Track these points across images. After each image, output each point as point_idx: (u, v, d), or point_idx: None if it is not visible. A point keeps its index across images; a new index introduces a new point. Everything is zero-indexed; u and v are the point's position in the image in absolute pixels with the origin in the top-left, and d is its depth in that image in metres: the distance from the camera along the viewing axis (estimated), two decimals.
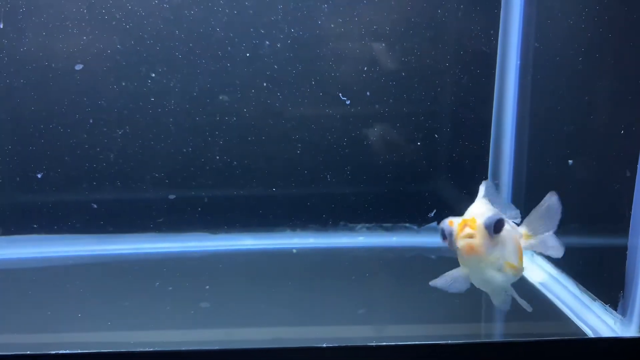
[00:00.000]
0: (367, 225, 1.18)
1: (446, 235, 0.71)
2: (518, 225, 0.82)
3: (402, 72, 1.12)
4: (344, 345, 0.69)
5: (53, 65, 1.05)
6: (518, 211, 0.84)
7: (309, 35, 1.09)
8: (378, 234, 1.18)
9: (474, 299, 0.96)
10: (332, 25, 1.09)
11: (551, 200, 0.80)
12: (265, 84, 1.10)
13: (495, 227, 0.70)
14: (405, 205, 1.18)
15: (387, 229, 1.18)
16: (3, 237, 1.09)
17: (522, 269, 0.76)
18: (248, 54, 1.08)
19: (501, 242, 0.71)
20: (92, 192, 1.10)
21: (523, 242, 0.79)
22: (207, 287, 0.95)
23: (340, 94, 1.10)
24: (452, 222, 0.71)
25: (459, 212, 1.17)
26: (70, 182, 1.09)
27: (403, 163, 1.17)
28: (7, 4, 1.02)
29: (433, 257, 1.14)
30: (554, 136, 1.05)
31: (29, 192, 1.09)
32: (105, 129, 1.08)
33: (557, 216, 0.81)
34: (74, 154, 1.08)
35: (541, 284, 0.97)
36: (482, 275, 0.73)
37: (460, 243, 0.69)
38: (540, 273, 1.01)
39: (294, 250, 1.13)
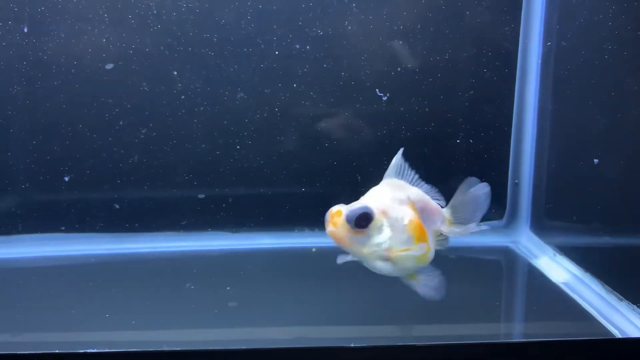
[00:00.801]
0: None
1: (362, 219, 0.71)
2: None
3: (421, 70, 1.11)
4: (373, 345, 0.69)
5: (78, 65, 1.06)
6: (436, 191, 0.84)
7: (331, 33, 1.09)
8: None
9: (495, 299, 0.96)
10: (354, 24, 1.09)
11: (483, 191, 0.82)
12: (290, 84, 1.10)
13: (357, 221, 0.70)
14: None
15: None
16: (27, 236, 1.10)
17: (426, 255, 0.75)
18: (277, 52, 1.08)
19: (378, 233, 0.71)
20: (114, 192, 1.10)
21: (445, 228, 0.79)
22: (228, 288, 0.94)
23: (377, 90, 1.10)
24: (332, 211, 0.71)
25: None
26: (94, 182, 1.10)
27: (422, 162, 1.16)
28: (33, 6, 1.03)
29: (452, 256, 1.14)
30: (577, 135, 1.04)
31: (52, 192, 1.09)
32: (129, 129, 1.08)
33: (484, 209, 0.82)
34: (97, 154, 1.09)
35: (564, 284, 0.96)
36: (371, 265, 0.74)
37: (328, 233, 0.71)
38: (563, 273, 1.00)
39: (313, 249, 1.12)
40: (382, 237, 0.72)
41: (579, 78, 1.02)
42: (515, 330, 0.90)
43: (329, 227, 0.71)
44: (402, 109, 1.13)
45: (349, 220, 0.70)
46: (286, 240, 1.15)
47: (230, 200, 1.14)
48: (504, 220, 1.17)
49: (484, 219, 1.17)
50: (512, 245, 1.15)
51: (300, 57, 1.09)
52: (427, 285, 0.77)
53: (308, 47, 1.09)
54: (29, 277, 1.02)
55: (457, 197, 0.82)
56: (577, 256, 1.00)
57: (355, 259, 0.77)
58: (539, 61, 1.10)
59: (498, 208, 1.17)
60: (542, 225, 1.13)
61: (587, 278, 0.95)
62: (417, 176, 0.80)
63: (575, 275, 0.98)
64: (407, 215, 0.74)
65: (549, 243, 1.09)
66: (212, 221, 1.14)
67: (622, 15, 0.89)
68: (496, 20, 1.11)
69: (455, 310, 0.88)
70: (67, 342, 0.78)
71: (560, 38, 1.07)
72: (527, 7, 1.11)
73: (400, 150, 0.79)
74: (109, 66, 1.06)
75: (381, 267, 0.73)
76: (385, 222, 0.72)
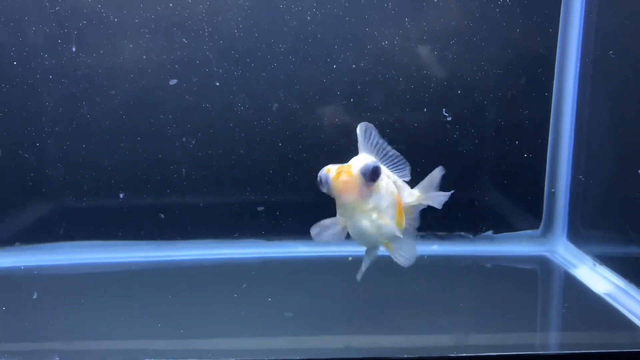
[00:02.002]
0: (421, 233, 1.17)
1: (322, 182, 0.71)
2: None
3: (458, 79, 1.11)
4: (427, 355, 0.69)
5: (124, 77, 1.07)
6: (408, 167, 0.83)
7: (367, 38, 1.09)
8: (432, 242, 1.18)
9: (535, 309, 0.96)
10: (390, 29, 1.09)
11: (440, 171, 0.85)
12: (329, 92, 1.10)
13: (371, 174, 0.70)
14: (460, 214, 1.17)
15: (441, 238, 1.18)
16: (68, 243, 1.11)
17: (399, 230, 0.76)
18: (328, 60, 1.09)
19: (377, 195, 0.72)
20: (155, 200, 1.11)
21: (412, 199, 0.82)
22: (270, 299, 0.94)
23: (444, 110, 1.11)
24: (329, 170, 0.71)
25: (514, 222, 1.18)
26: (135, 190, 1.10)
27: (458, 171, 1.16)
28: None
29: (488, 265, 1.14)
30: (616, 143, 1.03)
31: (93, 199, 1.10)
32: (174, 139, 1.09)
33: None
34: (140, 162, 1.10)
35: (607, 294, 0.96)
36: (357, 224, 0.73)
37: (336, 184, 0.70)
38: (604, 283, 0.99)
39: (350, 258, 1.12)
40: (381, 197, 0.73)
41: (619, 85, 1.02)
42: (557, 341, 0.90)
43: (343, 177, 0.70)
44: (436, 117, 1.12)
45: (363, 172, 0.70)
46: (321, 249, 1.15)
47: (264, 208, 1.14)
48: (540, 229, 1.17)
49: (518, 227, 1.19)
50: (548, 255, 1.15)
51: (341, 67, 1.09)
52: (399, 253, 0.81)
53: (344, 56, 1.09)
54: (71, 284, 1.03)
55: (425, 180, 0.85)
56: (619, 266, 0.99)
57: (338, 221, 0.77)
58: (577, 68, 1.10)
59: (534, 217, 1.17)
60: (579, 234, 1.13)
61: (631, 289, 0.94)
62: (385, 143, 0.79)
63: (617, 286, 0.97)
64: (393, 188, 0.76)
65: (586, 252, 1.09)
66: (247, 229, 1.15)
67: None
68: (534, 27, 1.11)
69: (494, 319, 0.88)
70: (117, 350, 0.79)
71: (599, 45, 1.07)
72: (565, 13, 1.10)
73: (361, 125, 0.78)
74: (173, 82, 1.07)
75: (367, 227, 0.73)
76: (384, 185, 0.74)
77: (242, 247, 1.14)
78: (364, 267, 0.83)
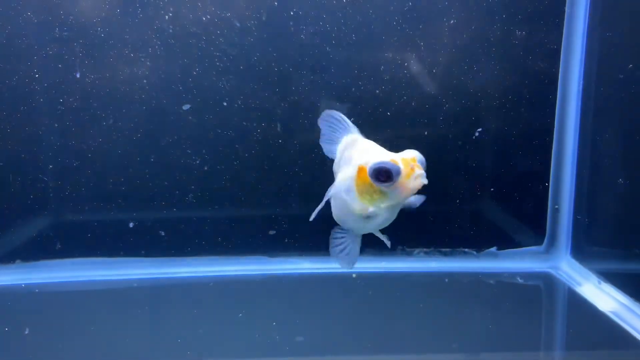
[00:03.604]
0: (425, 250, 1.17)
1: (393, 176, 0.64)
2: None
3: (459, 92, 1.11)
4: None
5: (116, 91, 1.06)
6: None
7: (368, 45, 1.09)
8: (436, 259, 1.17)
9: (538, 327, 0.95)
10: (390, 37, 1.09)
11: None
12: (329, 100, 1.10)
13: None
14: (464, 230, 1.17)
15: (445, 254, 1.17)
16: (68, 260, 1.09)
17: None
18: (335, 75, 1.09)
19: None
20: (155, 215, 1.10)
21: None
22: (274, 322, 0.92)
23: (477, 131, 1.11)
24: (397, 161, 0.65)
25: (517, 238, 1.18)
26: (136, 207, 1.10)
27: (461, 186, 1.16)
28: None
29: (492, 282, 1.13)
30: (620, 160, 1.03)
31: (93, 216, 1.10)
32: (173, 155, 1.09)
33: None
34: (141, 178, 1.09)
35: (612, 312, 0.95)
36: (390, 217, 0.70)
37: (413, 183, 0.65)
38: (610, 301, 0.99)
39: (354, 275, 1.12)
40: None
41: (623, 100, 1.02)
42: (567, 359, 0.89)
43: (418, 173, 0.65)
44: (438, 131, 1.12)
45: (422, 163, 0.67)
46: (325, 265, 1.14)
47: (266, 224, 1.13)
48: (544, 245, 1.17)
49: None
50: (552, 271, 1.14)
51: (338, 73, 1.09)
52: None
53: (340, 61, 1.09)
54: (72, 302, 1.02)
55: None
56: (625, 284, 0.99)
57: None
58: (581, 83, 1.10)
59: (537, 233, 1.17)
60: (583, 251, 1.12)
61: (637, 307, 0.94)
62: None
63: (623, 304, 0.96)
64: None
65: (591, 269, 1.08)
66: (249, 245, 1.13)
67: None
68: (537, 42, 1.11)
69: (498, 337, 0.88)
70: None
71: (602, 59, 1.07)
72: (568, 26, 1.10)
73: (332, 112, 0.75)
74: (186, 107, 1.07)
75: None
76: None
77: (244, 263, 1.13)
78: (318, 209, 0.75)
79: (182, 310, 0.96)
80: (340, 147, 0.74)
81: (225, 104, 1.08)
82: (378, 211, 0.68)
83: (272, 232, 1.13)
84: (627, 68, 0.99)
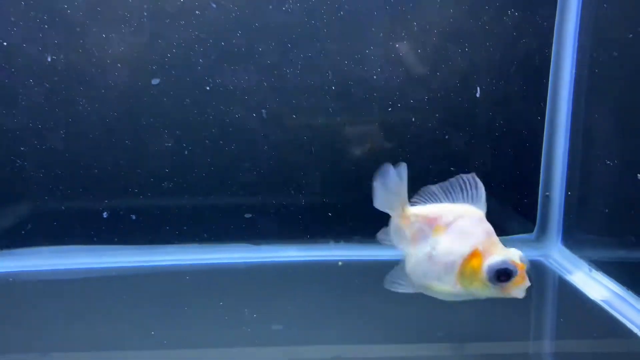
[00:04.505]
0: None
1: (511, 279, 0.65)
2: None
3: (451, 81, 1.08)
4: None
5: (96, 79, 1.03)
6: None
7: (354, 36, 1.06)
8: None
9: (529, 316, 0.93)
10: (381, 17, 1.06)
11: None
12: (314, 94, 1.07)
13: None
14: None
15: None
16: (45, 248, 1.06)
17: None
18: (317, 61, 1.06)
19: None
20: (135, 203, 1.07)
21: None
22: (256, 302, 0.91)
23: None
24: (517, 264, 0.66)
25: (508, 226, 1.16)
26: (113, 194, 1.07)
27: (449, 173, 1.13)
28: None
29: None
30: (612, 147, 1.01)
31: (73, 203, 1.06)
32: (148, 141, 1.06)
33: None
34: (117, 166, 1.06)
35: (604, 301, 0.93)
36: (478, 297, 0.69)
37: (518, 290, 0.67)
38: (601, 290, 0.97)
39: (340, 263, 1.09)
40: None
41: (614, 89, 1.00)
42: (552, 350, 0.87)
43: (527, 280, 0.67)
44: (429, 119, 1.10)
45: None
46: (311, 253, 1.12)
47: (251, 212, 1.11)
48: (534, 233, 1.15)
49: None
50: (542, 259, 1.12)
51: (323, 66, 1.06)
52: None
53: (331, 55, 1.06)
54: (44, 291, 0.99)
55: None
56: (617, 272, 0.97)
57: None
58: (573, 73, 1.08)
59: (528, 221, 1.15)
60: (574, 238, 1.10)
61: (628, 295, 0.92)
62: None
63: (614, 292, 0.94)
64: None
65: (582, 257, 1.06)
66: (234, 233, 1.11)
67: None
68: (528, 29, 1.09)
69: (487, 327, 0.86)
70: None
71: (594, 49, 1.04)
72: (560, 15, 1.08)
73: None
74: (155, 81, 1.03)
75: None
76: None
77: (228, 251, 1.10)
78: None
79: (163, 298, 0.94)
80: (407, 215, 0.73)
81: (205, 87, 1.05)
82: (465, 294, 0.68)
83: (248, 216, 1.10)
84: (624, 40, 0.96)
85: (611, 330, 0.86)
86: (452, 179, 0.74)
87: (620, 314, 0.89)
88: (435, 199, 0.74)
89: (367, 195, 1.12)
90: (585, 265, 1.04)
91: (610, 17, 1.02)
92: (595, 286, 0.98)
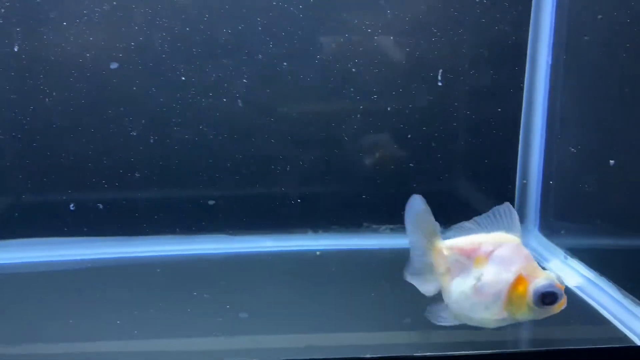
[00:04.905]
0: (390, 226, 1.14)
1: (556, 301, 0.68)
2: None
3: (427, 68, 1.08)
4: (390, 355, 0.65)
5: (75, 66, 1.01)
6: None
7: (323, 29, 1.06)
8: (402, 235, 1.15)
9: None
10: (353, 18, 1.06)
11: None
12: (284, 84, 1.06)
13: None
14: (430, 205, 1.14)
15: None
16: (22, 240, 1.05)
17: None
18: (285, 47, 1.04)
19: None
20: (110, 194, 1.06)
21: None
22: (231, 293, 0.91)
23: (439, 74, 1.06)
24: (561, 286, 0.68)
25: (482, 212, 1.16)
26: (86, 184, 1.05)
27: (427, 162, 1.13)
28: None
29: None
30: (589, 134, 1.01)
31: (40, 194, 1.05)
32: (121, 130, 1.04)
33: None
34: (89, 155, 1.04)
35: (578, 287, 0.94)
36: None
37: (557, 310, 0.69)
38: (575, 276, 0.97)
39: (318, 253, 1.09)
40: None
41: (592, 75, 0.99)
42: (528, 337, 0.87)
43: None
44: (405, 108, 1.09)
45: None
46: (289, 243, 1.11)
47: (228, 202, 1.10)
48: None
49: None
50: None
51: (292, 56, 1.05)
52: None
53: (301, 46, 1.06)
54: (20, 283, 0.97)
55: None
56: (591, 259, 0.97)
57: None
58: (549, 58, 1.08)
59: None
60: (551, 226, 1.11)
61: (602, 282, 0.92)
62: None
63: (588, 279, 0.95)
64: None
65: (558, 245, 1.07)
66: (210, 223, 1.10)
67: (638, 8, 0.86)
68: (504, 16, 1.08)
69: None
70: (67, 354, 0.75)
71: (570, 37, 1.04)
72: (536, 6, 1.08)
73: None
74: (114, 65, 1.01)
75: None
76: None
77: (203, 242, 1.10)
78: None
79: (134, 290, 0.93)
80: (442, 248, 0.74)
81: (173, 76, 1.03)
82: (510, 319, 0.69)
83: (211, 202, 1.09)
84: (594, 44, 0.97)
85: (583, 316, 0.87)
86: (487, 213, 0.76)
87: (593, 299, 0.90)
88: (469, 233, 0.75)
89: (345, 186, 1.13)
90: (561, 253, 1.04)
91: (584, 11, 1.01)
92: (570, 273, 0.98)
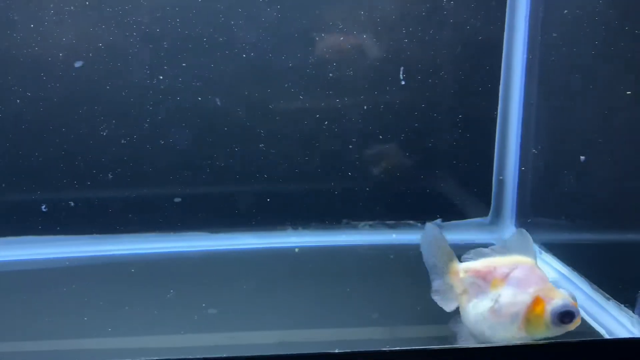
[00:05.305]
0: (369, 222, 1.16)
1: (573, 319, 0.69)
2: None
3: (404, 66, 1.08)
4: (358, 350, 0.66)
5: (45, 64, 1.01)
6: None
7: (303, 27, 1.06)
8: (381, 232, 1.16)
9: None
10: (330, 15, 1.06)
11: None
12: (264, 82, 1.07)
13: None
14: (409, 202, 1.16)
15: (390, 227, 1.16)
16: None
17: None
18: (258, 45, 1.05)
19: None
20: (91, 192, 1.06)
21: None
22: (208, 290, 0.92)
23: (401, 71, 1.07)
24: (576, 304, 0.70)
25: (463, 210, 1.17)
26: (67, 182, 1.06)
27: (406, 159, 1.14)
28: None
29: None
30: (563, 131, 1.03)
31: (23, 193, 1.05)
32: (102, 129, 1.05)
33: None
34: (70, 154, 1.05)
35: (551, 281, 0.95)
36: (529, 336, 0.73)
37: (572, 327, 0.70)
38: (549, 271, 0.98)
39: (296, 249, 1.10)
40: None
41: (566, 74, 1.01)
42: None
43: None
44: (384, 105, 1.10)
45: None
46: (269, 240, 1.12)
47: (209, 200, 1.11)
48: (489, 217, 1.16)
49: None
50: (496, 242, 1.13)
51: (272, 54, 1.06)
52: None
53: (280, 43, 1.06)
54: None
55: None
56: (564, 254, 0.98)
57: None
58: (524, 56, 1.09)
59: (483, 205, 1.16)
60: (527, 222, 1.12)
61: (573, 276, 0.93)
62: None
63: (561, 273, 0.96)
64: None
65: (534, 240, 1.06)
66: (191, 221, 1.11)
67: (609, 11, 0.87)
68: (480, 16, 1.09)
69: (439, 310, 0.86)
70: (41, 352, 0.75)
71: (545, 33, 1.05)
72: (511, 3, 1.08)
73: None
74: (78, 64, 1.02)
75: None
76: None
77: (184, 240, 1.10)
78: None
79: (112, 288, 0.94)
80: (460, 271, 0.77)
81: (144, 75, 1.04)
82: (527, 338, 0.71)
83: (177, 200, 1.09)
84: (569, 41, 0.98)
85: None
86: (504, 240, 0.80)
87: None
88: (486, 256, 0.77)
89: (325, 183, 1.14)
90: (536, 248, 1.05)
91: (558, 9, 1.02)
92: (544, 267, 0.99)
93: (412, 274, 1.01)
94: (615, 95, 0.87)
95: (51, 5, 1.00)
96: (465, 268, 0.76)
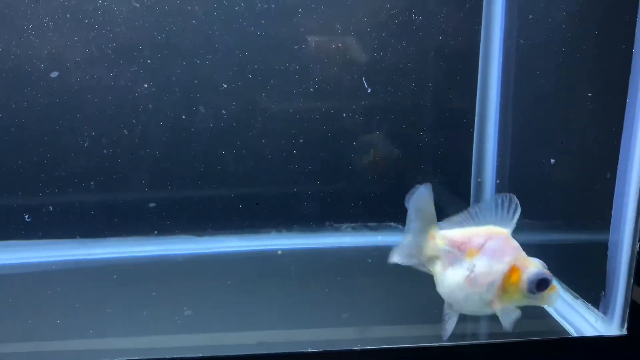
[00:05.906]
0: (352, 225, 1.18)
1: (548, 286, 0.72)
2: None
3: (382, 69, 1.11)
4: (329, 350, 0.69)
5: (26, 72, 1.03)
6: None
7: (289, 31, 1.08)
8: (363, 234, 1.18)
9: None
10: (310, 20, 1.08)
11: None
12: (250, 84, 1.09)
13: None
14: (390, 205, 1.18)
15: (372, 229, 1.18)
16: None
17: None
18: (237, 51, 1.07)
19: None
20: (73, 197, 1.08)
21: None
22: (190, 292, 0.94)
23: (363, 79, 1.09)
24: (549, 273, 0.72)
25: (442, 211, 1.18)
26: (52, 187, 1.08)
27: (386, 162, 1.17)
28: None
29: None
30: (536, 134, 1.05)
31: (4, 199, 1.07)
32: (87, 134, 1.07)
33: None
34: (55, 159, 1.07)
35: None
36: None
37: (552, 299, 0.72)
38: None
39: (279, 252, 1.12)
40: None
41: (540, 77, 1.03)
42: (473, 330, 0.90)
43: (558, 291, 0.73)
44: (364, 109, 1.13)
45: None
46: (252, 243, 1.14)
47: (193, 204, 1.13)
48: None
49: None
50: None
51: (259, 54, 1.08)
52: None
53: (266, 43, 1.08)
54: None
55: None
56: (537, 255, 1.00)
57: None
58: (500, 60, 1.11)
59: (462, 206, 1.18)
60: None
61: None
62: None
63: None
64: None
65: None
66: (176, 224, 1.13)
67: (576, 16, 0.90)
68: (457, 20, 1.11)
69: (415, 311, 0.89)
70: (23, 353, 0.77)
71: (521, 37, 1.07)
72: (487, 7, 1.11)
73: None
74: (54, 74, 1.04)
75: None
76: None
77: (168, 243, 1.13)
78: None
79: (96, 291, 0.96)
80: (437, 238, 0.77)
81: (122, 84, 1.06)
82: (507, 307, 0.73)
83: (152, 205, 1.12)
84: (544, 43, 1.00)
85: (526, 309, 0.90)
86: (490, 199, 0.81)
87: None
88: (461, 225, 0.79)
89: (308, 186, 1.16)
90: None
91: (534, 10, 1.05)
92: None
93: (392, 276, 1.04)
94: (579, 100, 0.90)
95: (32, 15, 1.02)
96: (443, 235, 0.77)
